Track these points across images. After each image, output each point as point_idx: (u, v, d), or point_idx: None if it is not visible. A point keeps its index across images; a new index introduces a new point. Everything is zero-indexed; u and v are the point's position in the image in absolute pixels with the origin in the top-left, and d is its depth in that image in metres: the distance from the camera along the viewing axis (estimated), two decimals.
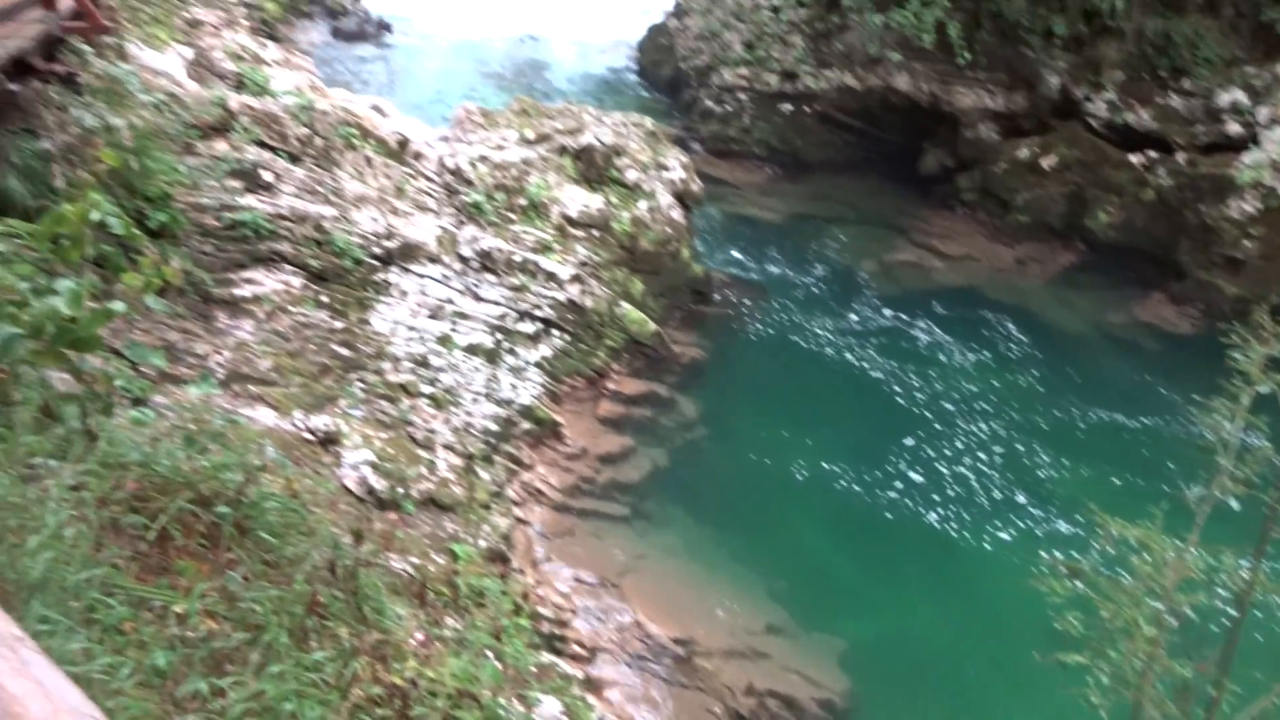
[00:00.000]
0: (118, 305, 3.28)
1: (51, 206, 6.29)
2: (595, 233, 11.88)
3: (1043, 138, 15.61)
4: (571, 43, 24.48)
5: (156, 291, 3.69)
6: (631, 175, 12.46)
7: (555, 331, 11.10)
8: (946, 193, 16.58)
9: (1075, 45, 15.30)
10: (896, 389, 12.22)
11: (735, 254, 14.96)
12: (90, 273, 3.58)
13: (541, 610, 8.23)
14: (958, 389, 12.24)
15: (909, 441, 11.28)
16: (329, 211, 10.29)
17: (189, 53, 11.12)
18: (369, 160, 11.16)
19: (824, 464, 10.79)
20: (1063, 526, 9.99)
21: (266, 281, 9.58)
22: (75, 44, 8.05)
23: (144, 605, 2.98)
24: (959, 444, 11.30)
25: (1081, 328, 13.90)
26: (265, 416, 8.12)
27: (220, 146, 9.88)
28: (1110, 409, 11.98)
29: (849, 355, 12.80)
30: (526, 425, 10.24)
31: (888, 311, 13.75)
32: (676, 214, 12.74)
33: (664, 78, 21.22)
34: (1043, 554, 8.51)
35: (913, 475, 10.75)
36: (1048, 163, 15.31)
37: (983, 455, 11.12)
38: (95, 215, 3.37)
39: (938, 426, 11.57)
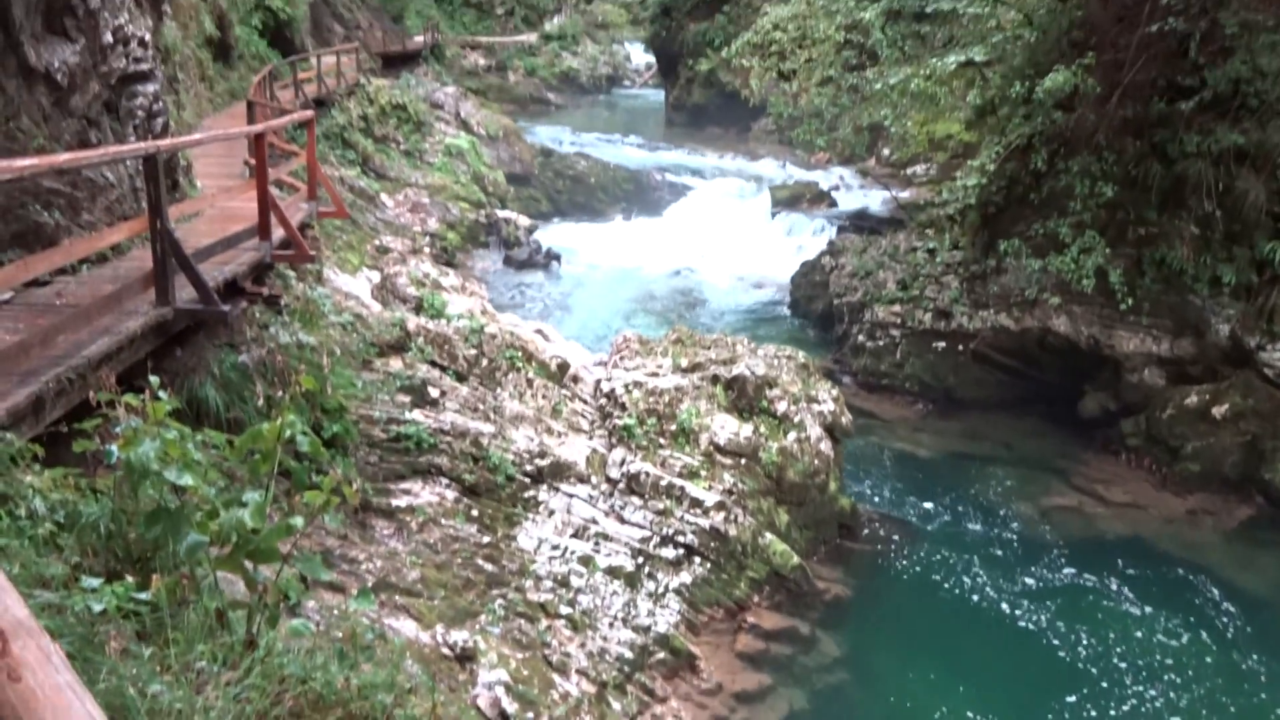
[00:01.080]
0: (297, 521, 3.49)
1: (244, 417, 6.85)
2: (743, 461, 11.92)
3: (1214, 385, 15.03)
4: (726, 277, 25.63)
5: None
6: (782, 406, 12.58)
7: (697, 559, 10.98)
8: (1109, 437, 16.02)
9: (1245, 293, 14.92)
10: (1055, 642, 11.41)
11: (885, 489, 14.70)
12: (275, 485, 3.85)
13: None
14: (1126, 648, 11.33)
15: (1070, 699, 10.43)
16: (487, 428, 10.72)
17: (376, 277, 12.16)
18: (529, 381, 11.69)
19: (974, 717, 10.10)
20: None
21: (423, 493, 9.95)
22: (281, 269, 8.91)
23: None
24: (1127, 709, 10.37)
25: (1266, 590, 12.75)
26: (408, 628, 8.23)
27: (395, 364, 10.60)
28: None
29: (1003, 603, 12.12)
30: (662, 655, 10.01)
31: (1046, 559, 13.06)
32: (826, 446, 12.70)
33: (816, 312, 21.71)
34: None
35: None
36: (1219, 411, 14.66)
37: None
38: (288, 433, 3.65)
39: (1104, 686, 10.66)
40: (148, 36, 8.75)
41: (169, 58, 11.15)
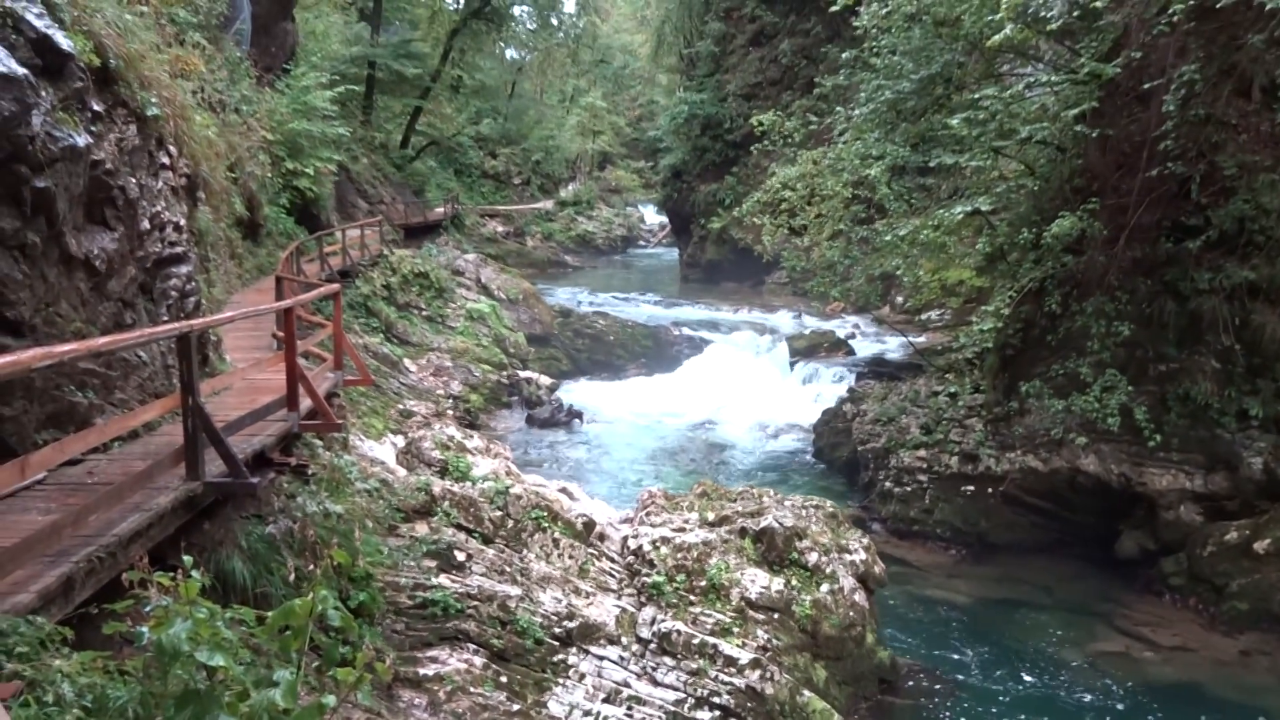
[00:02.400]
0: (329, 699, 3.42)
1: (271, 590, 6.79)
2: (776, 616, 11.67)
3: (1252, 520, 14.67)
4: (748, 427, 25.67)
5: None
6: (813, 558, 12.40)
7: None
8: (1151, 577, 15.60)
9: (1275, 425, 14.76)
10: None
11: (924, 640, 14.32)
12: (306, 661, 3.79)
13: None
14: None
15: None
16: (515, 591, 10.59)
17: (401, 441, 12.24)
18: (556, 541, 11.62)
19: None
20: None
21: (450, 661, 9.75)
22: (308, 438, 8.99)
23: None
24: None
25: None
26: None
27: (421, 529, 10.59)
28: None
29: None
30: None
31: (1097, 709, 12.53)
32: (859, 597, 12.44)
33: (841, 459, 21.60)
34: None
35: None
36: (1261, 547, 14.27)
37: None
38: (319, 608, 3.62)
39: None
40: (183, 221, 9.12)
41: (202, 239, 11.59)
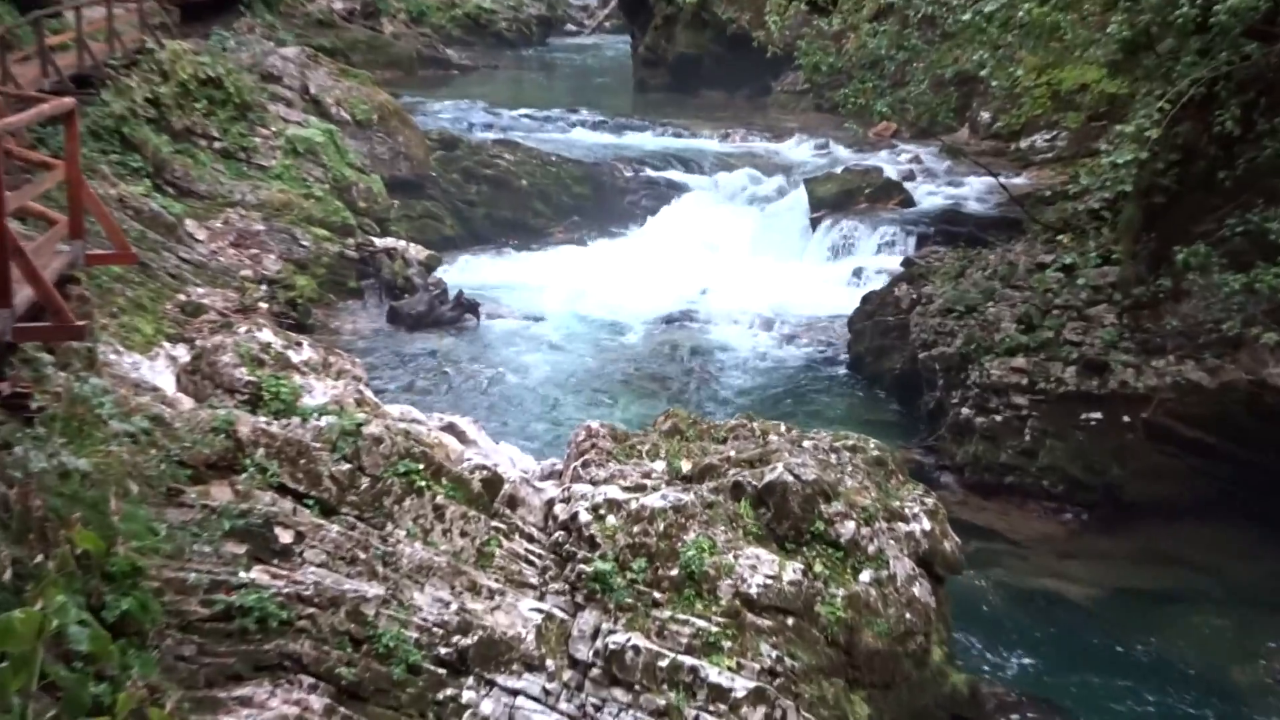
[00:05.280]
0: None
1: None
2: (789, 621, 11.67)
3: None
4: (745, 324, 25.70)
5: None
6: (847, 529, 12.40)
7: None
8: None
9: None
10: None
11: (1018, 654, 14.54)
12: (36, 707, 3.73)
13: None
14: None
15: None
16: (373, 590, 10.58)
17: (184, 354, 12.02)
18: (439, 510, 11.55)
19: None
20: None
21: (272, 702, 9.75)
22: (29, 351, 8.78)
23: None
24: None
25: None
26: None
27: (220, 493, 10.47)
28: None
29: None
30: None
31: None
32: (921, 589, 12.53)
33: (890, 373, 21.85)
34: None
35: None
36: None
37: None
38: (55, 623, 3.56)
39: None
40: None
41: None
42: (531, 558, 11.85)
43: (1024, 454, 18.24)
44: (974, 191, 29.23)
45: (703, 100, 43.42)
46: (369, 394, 13.35)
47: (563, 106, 43.41)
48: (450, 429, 13.25)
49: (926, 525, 13.00)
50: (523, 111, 41.85)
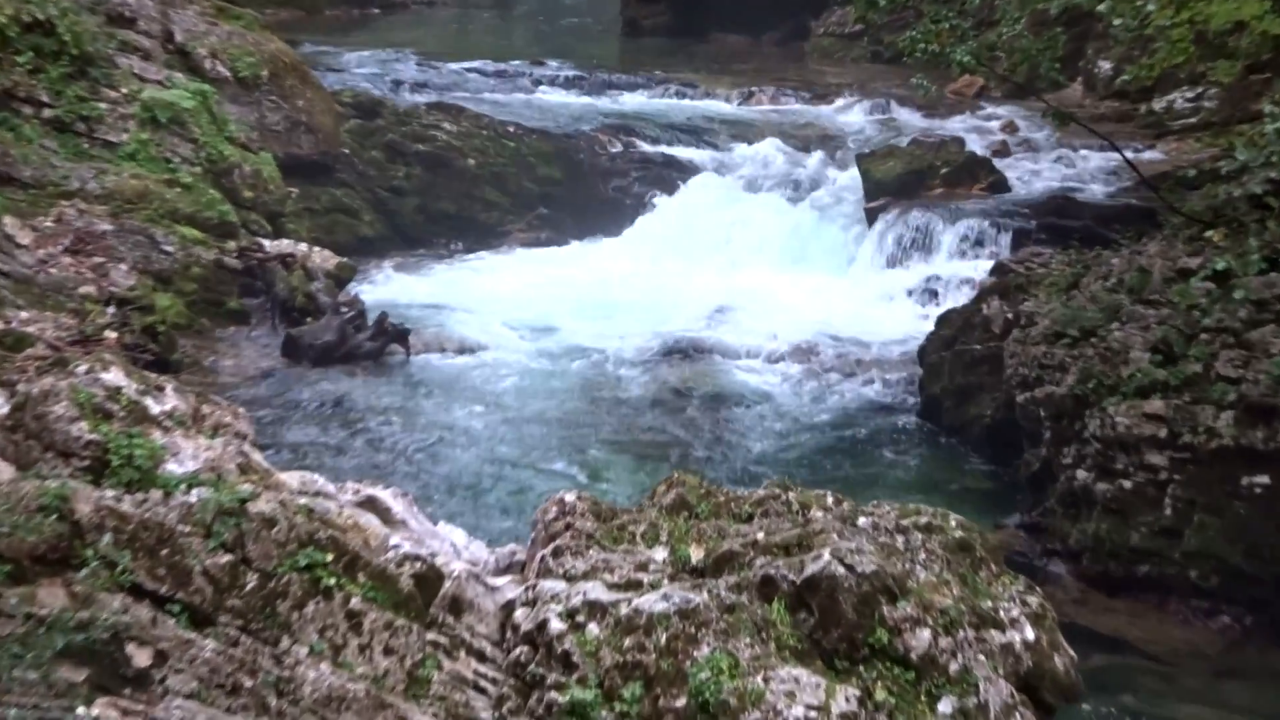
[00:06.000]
0: None
1: None
2: None
3: None
4: (777, 354, 25.21)
5: None
6: (920, 640, 11.36)
7: None
8: None
9: None
10: None
11: None
12: None
13: None
14: None
15: None
16: None
17: (1, 403, 11.82)
18: (354, 617, 11.42)
19: None
20: None
21: None
22: None
23: None
24: None
25: None
26: None
27: (51, 597, 10.56)
28: None
29: None
30: None
31: None
32: None
33: (978, 421, 21.20)
34: None
35: None
36: None
37: None
38: None
39: None
40: None
41: None
42: (483, 683, 11.50)
43: (1164, 534, 17.01)
44: (1090, 171, 28.61)
45: (717, 47, 43.63)
46: (257, 457, 12.58)
47: (525, 58, 43.13)
48: (370, 504, 12.70)
49: (1030, 634, 11.92)
50: (469, 64, 41.31)
